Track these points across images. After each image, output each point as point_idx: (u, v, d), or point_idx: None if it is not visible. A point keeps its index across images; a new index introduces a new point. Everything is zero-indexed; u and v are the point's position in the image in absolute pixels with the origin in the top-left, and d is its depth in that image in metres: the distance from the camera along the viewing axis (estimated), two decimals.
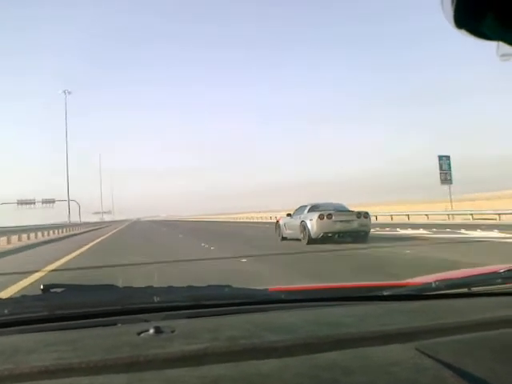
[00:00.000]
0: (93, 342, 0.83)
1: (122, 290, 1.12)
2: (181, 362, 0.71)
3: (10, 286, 5.70)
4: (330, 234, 11.70)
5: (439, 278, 1.25)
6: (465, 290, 1.21)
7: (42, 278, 6.77)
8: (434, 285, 1.19)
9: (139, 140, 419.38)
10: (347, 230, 11.80)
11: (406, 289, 1.25)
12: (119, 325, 0.99)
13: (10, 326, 0.98)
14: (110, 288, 1.13)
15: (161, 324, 0.89)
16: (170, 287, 1.15)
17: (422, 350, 0.74)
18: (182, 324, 0.93)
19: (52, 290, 1.09)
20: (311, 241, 11.76)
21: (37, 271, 7.49)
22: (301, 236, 12.33)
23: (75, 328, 0.96)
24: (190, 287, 1.15)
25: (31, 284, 5.91)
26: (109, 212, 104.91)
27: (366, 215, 12.18)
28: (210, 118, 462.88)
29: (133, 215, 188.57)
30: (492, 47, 0.51)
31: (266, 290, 1.24)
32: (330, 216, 11.78)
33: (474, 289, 1.21)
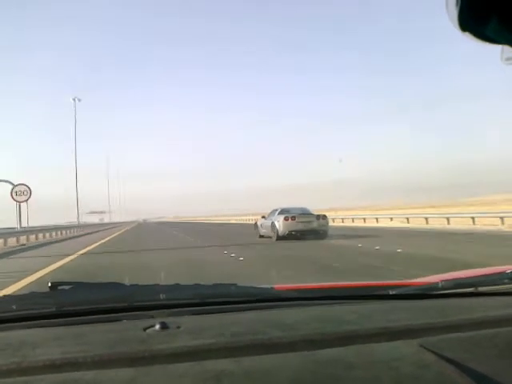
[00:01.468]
0: (99, 336, 0.86)
1: (128, 288, 1.14)
2: (186, 356, 0.73)
3: None
4: (293, 232, 14.55)
5: (445, 278, 1.28)
6: (471, 289, 1.22)
7: None
8: (440, 284, 1.21)
9: (147, 142, 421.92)
10: (308, 229, 14.71)
11: (411, 288, 1.28)
12: (125, 321, 1.01)
13: (18, 322, 1.00)
14: (117, 285, 1.15)
15: (166, 320, 0.91)
16: (177, 285, 1.17)
17: (426, 346, 0.75)
18: (187, 320, 0.96)
19: (60, 288, 1.11)
20: (279, 238, 14.65)
21: None
22: (272, 234, 15.27)
23: (82, 324, 0.99)
24: (196, 285, 1.18)
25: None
26: (104, 212, 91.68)
27: (324, 217, 15.17)
28: (216, 120, 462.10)
29: (139, 216, 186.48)
30: (496, 50, 0.51)
31: (272, 288, 1.27)
32: (293, 218, 14.79)
33: (481, 289, 1.22)
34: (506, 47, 0.51)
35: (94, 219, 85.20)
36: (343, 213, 40.18)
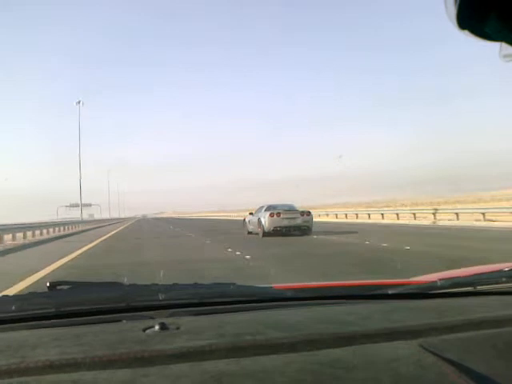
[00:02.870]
0: (98, 337, 0.86)
1: (127, 288, 1.17)
2: (185, 357, 0.75)
3: None
4: (278, 228, 15.32)
5: (444, 277, 1.31)
6: (470, 288, 1.25)
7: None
8: (438, 283, 1.24)
9: (144, 138, 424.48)
10: (292, 225, 15.52)
11: (410, 287, 1.31)
12: (124, 321, 1.03)
13: (17, 323, 1.03)
14: (116, 285, 1.18)
15: (166, 321, 0.93)
16: (175, 284, 1.20)
17: (426, 347, 0.77)
18: (187, 321, 0.98)
19: (58, 288, 1.14)
20: (265, 234, 15.39)
21: None
22: (258, 230, 16.00)
23: (80, 324, 1.01)
24: (195, 284, 1.21)
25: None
26: (90, 205, 77.23)
27: (308, 213, 15.95)
28: (212, 116, 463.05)
29: (138, 212, 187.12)
30: (495, 48, 0.53)
31: (271, 287, 1.30)
32: (278, 214, 15.53)
33: (479, 287, 1.25)
34: (504, 44, 0.52)
35: (83, 215, 63.04)
36: (339, 209, 41.42)
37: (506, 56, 0.54)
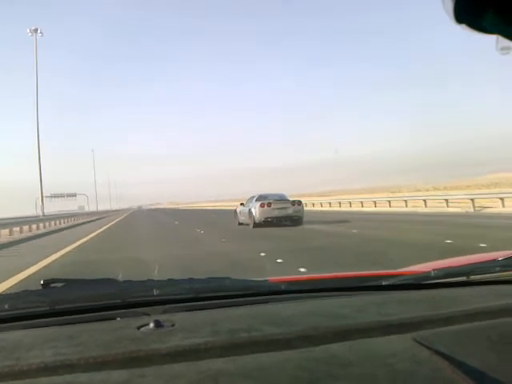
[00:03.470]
0: (92, 337, 0.86)
1: (121, 284, 1.18)
2: (181, 356, 0.74)
3: None
4: (269, 219, 15.26)
5: (438, 267, 1.33)
6: (463, 278, 1.26)
7: None
8: (432, 274, 1.25)
9: (141, 128, 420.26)
10: (283, 216, 15.46)
11: (404, 278, 1.32)
12: (119, 319, 1.03)
13: (11, 322, 1.02)
14: (110, 282, 1.19)
15: (161, 318, 0.93)
16: (170, 280, 1.20)
17: (420, 340, 0.78)
18: (181, 317, 0.98)
19: (52, 285, 1.14)
20: (255, 225, 15.34)
21: None
22: (249, 221, 15.94)
23: (75, 323, 1.00)
24: (190, 279, 1.21)
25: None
26: (74, 195, 63.50)
27: (299, 203, 15.88)
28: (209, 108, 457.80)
29: (133, 203, 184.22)
30: (492, 40, 0.54)
31: (266, 280, 1.31)
32: (269, 204, 15.48)
33: (473, 277, 1.26)
34: (501, 37, 0.53)
35: (72, 206, 60.04)
36: (338, 196, 41.41)
37: (503, 49, 0.55)
